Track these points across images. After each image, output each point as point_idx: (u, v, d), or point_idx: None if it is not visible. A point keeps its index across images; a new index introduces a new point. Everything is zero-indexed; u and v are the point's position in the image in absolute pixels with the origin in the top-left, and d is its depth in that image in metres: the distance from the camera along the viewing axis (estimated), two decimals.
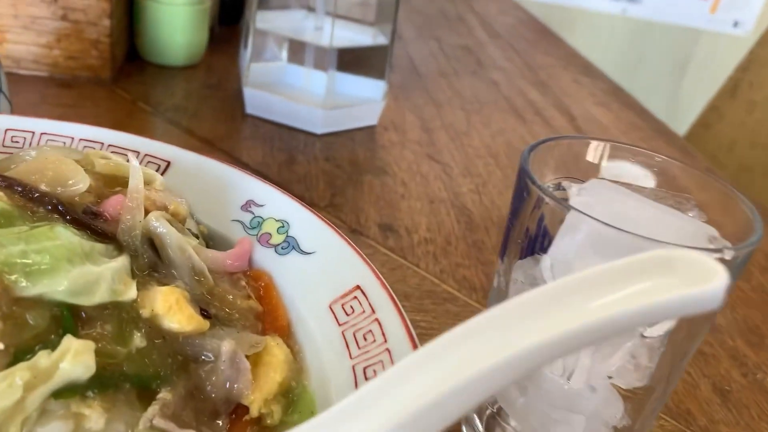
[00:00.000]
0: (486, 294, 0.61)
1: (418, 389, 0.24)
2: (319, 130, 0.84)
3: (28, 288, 0.30)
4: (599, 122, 1.04)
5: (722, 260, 0.33)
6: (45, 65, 0.84)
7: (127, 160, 0.41)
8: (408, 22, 1.39)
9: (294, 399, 0.35)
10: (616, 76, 1.29)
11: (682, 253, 0.24)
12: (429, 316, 0.57)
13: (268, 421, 0.34)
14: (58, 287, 0.30)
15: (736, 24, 2.51)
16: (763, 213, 0.37)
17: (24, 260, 0.30)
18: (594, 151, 0.41)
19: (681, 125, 1.74)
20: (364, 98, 0.88)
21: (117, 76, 0.89)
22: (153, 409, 0.31)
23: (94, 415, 0.30)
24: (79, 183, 0.37)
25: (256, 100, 0.84)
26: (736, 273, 0.35)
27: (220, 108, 0.87)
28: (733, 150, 1.65)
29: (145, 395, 0.32)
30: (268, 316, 0.39)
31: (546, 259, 0.36)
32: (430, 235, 0.69)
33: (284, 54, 0.89)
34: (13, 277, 0.30)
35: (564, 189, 0.39)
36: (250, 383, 0.34)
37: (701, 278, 0.23)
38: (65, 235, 0.33)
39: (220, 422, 0.33)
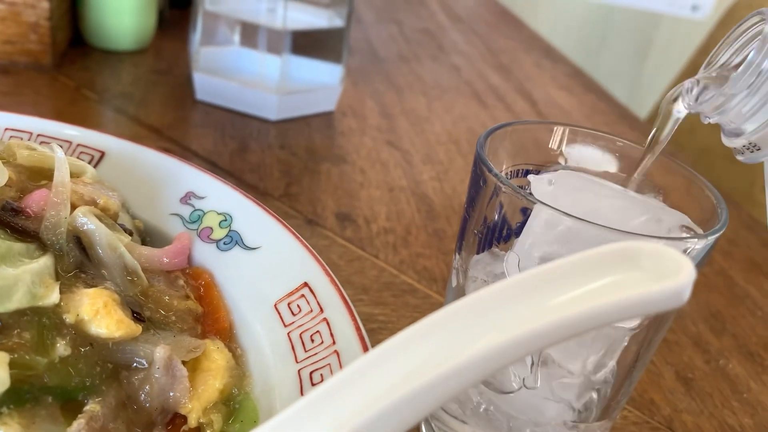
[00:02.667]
0: (447, 285, 0.59)
1: (365, 398, 0.22)
2: (273, 117, 0.81)
3: None
4: (561, 107, 1.03)
5: (688, 250, 0.32)
6: None
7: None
8: (367, 5, 1.36)
9: (236, 407, 0.32)
10: (578, 60, 1.28)
11: (647, 246, 0.22)
12: (388, 309, 0.55)
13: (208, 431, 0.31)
14: None
15: (694, 8, 2.53)
16: (723, 196, 0.36)
17: None
18: (554, 136, 0.39)
19: (643, 108, 1.74)
20: (320, 83, 0.85)
21: (60, 62, 0.84)
22: (78, 423, 0.28)
23: None
24: None
25: (207, 86, 0.81)
26: (701, 260, 0.34)
27: (170, 94, 0.83)
28: (693, 133, 1.65)
29: (71, 408, 0.29)
30: (209, 318, 0.36)
31: (512, 256, 0.34)
32: (390, 225, 0.66)
33: (236, 37, 0.85)
34: None
35: (528, 175, 0.36)
36: (188, 391, 0.31)
37: (667, 272, 0.21)
38: None
39: None
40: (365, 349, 0.31)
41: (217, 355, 0.33)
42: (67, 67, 0.84)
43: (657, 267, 0.22)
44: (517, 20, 1.46)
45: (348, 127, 0.85)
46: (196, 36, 0.80)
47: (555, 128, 0.39)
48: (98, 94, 0.80)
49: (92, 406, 0.29)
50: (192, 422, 0.31)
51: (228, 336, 0.35)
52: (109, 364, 0.31)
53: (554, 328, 0.22)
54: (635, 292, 0.21)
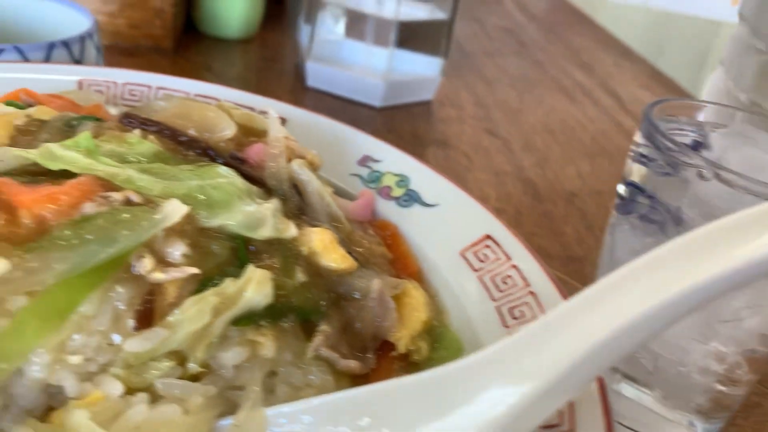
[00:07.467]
0: (564, 262, 0.62)
1: (620, 308, 0.25)
2: (378, 103, 0.85)
3: (209, 219, 0.31)
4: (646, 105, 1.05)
5: None
6: (109, 33, 0.85)
7: (258, 113, 0.43)
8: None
9: (438, 337, 0.36)
10: None
11: None
12: None
13: (416, 357, 0.35)
14: (233, 220, 0.32)
15: None
16: None
17: (202, 194, 0.32)
18: (720, 116, 0.42)
19: None
20: (422, 74, 0.89)
21: (176, 47, 0.90)
22: (318, 339, 0.33)
23: (267, 342, 0.31)
24: (227, 129, 0.38)
25: (319, 74, 0.85)
26: None
27: (281, 81, 0.88)
28: None
29: (306, 328, 0.33)
30: (398, 263, 0.40)
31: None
32: (501, 206, 0.70)
33: (341, 28, 0.90)
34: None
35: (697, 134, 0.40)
36: (397, 321, 0.35)
37: None
38: (230, 174, 0.34)
39: (370, 356, 0.35)
40: (562, 293, 0.34)
41: (415, 293, 0.37)
42: (183, 51, 0.90)
43: None
44: (589, 20, 1.49)
45: (447, 115, 0.89)
46: (310, 27, 0.84)
47: (720, 109, 0.42)
48: (217, 76, 0.85)
49: (325, 327, 0.33)
50: (401, 348, 0.35)
51: (418, 279, 0.39)
52: (332, 294, 0.35)
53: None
54: None
